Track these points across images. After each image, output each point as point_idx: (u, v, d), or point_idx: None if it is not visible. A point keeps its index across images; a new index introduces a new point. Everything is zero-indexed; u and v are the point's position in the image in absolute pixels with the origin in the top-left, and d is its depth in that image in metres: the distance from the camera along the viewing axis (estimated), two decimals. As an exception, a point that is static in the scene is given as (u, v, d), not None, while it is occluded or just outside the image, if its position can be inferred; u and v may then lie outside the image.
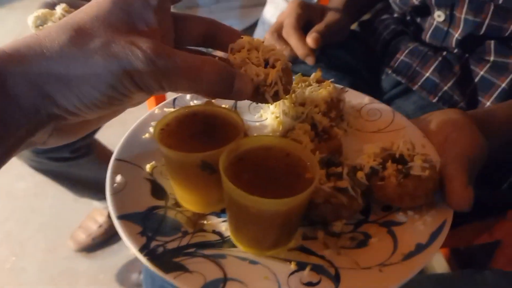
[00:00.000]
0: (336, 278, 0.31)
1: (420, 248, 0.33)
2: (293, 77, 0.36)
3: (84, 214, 1.38)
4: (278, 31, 0.65)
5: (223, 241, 0.34)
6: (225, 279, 0.30)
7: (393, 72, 0.69)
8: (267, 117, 0.47)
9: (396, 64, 0.69)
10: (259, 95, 0.33)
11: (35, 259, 1.34)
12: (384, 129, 0.45)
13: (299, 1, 0.64)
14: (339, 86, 0.47)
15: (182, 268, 0.30)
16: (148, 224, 0.34)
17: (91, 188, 1.23)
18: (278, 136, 0.39)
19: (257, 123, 0.47)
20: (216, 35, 0.35)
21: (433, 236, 0.33)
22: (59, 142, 0.33)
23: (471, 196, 0.34)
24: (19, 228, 1.43)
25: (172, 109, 0.45)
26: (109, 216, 1.34)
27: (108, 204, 0.34)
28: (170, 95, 0.41)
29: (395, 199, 0.35)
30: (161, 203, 0.36)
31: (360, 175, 0.35)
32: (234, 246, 0.34)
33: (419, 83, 0.66)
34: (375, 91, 0.60)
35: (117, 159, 0.38)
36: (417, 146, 0.38)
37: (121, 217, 0.33)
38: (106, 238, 1.34)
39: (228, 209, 0.33)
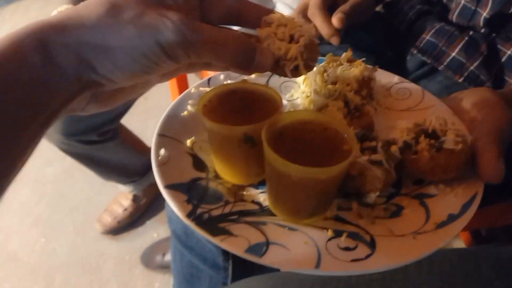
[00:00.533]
0: (372, 244, 0.33)
1: (452, 218, 0.34)
2: (319, 55, 0.37)
3: (110, 198, 1.43)
4: (303, 12, 0.66)
5: (262, 210, 0.36)
6: (267, 243, 0.32)
7: (419, 52, 0.70)
8: (297, 96, 0.49)
9: (422, 44, 0.70)
10: (279, 69, 0.35)
11: (64, 241, 1.40)
12: (413, 107, 0.46)
13: None
14: (369, 66, 0.48)
15: (227, 232, 0.33)
16: (193, 193, 0.36)
17: (117, 171, 1.28)
18: (315, 111, 0.41)
19: (288, 102, 0.49)
20: (242, 12, 0.37)
21: (465, 207, 0.35)
22: (96, 109, 0.35)
23: (503, 168, 0.35)
24: (48, 212, 1.49)
25: (207, 88, 0.47)
26: (133, 200, 1.39)
27: (154, 174, 0.37)
28: (191, 82, 0.44)
29: (428, 172, 0.36)
30: (202, 175, 0.39)
31: (394, 148, 0.37)
32: (273, 215, 0.36)
33: (445, 63, 0.67)
34: (400, 72, 0.61)
35: (160, 134, 0.41)
36: (449, 126, 0.39)
37: (167, 187, 0.36)
38: (131, 221, 1.39)
39: (269, 179, 0.35)
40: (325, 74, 0.46)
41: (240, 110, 0.37)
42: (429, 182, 0.38)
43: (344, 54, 0.48)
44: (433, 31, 0.69)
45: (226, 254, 0.71)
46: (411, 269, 0.45)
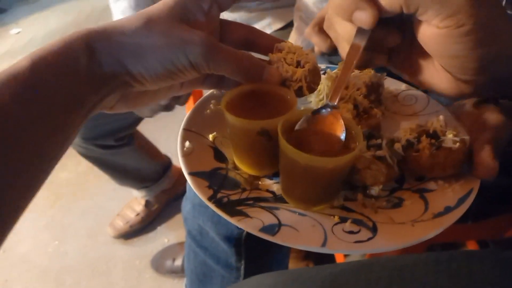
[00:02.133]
0: (373, 229, 0.37)
1: (448, 209, 0.39)
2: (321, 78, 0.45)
3: (122, 203, 1.49)
4: (319, 24, 0.72)
5: (276, 198, 0.41)
6: (279, 225, 0.37)
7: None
8: (311, 100, 0.54)
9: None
10: (286, 87, 0.42)
11: (76, 244, 1.46)
12: (419, 112, 0.51)
13: None
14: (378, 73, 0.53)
15: (244, 214, 0.38)
16: (213, 180, 0.41)
17: (131, 176, 1.34)
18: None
19: (302, 105, 0.54)
20: (255, 40, 0.44)
21: (461, 201, 0.39)
22: (123, 108, 0.41)
23: (496, 167, 0.39)
24: (61, 215, 1.56)
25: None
26: (146, 205, 1.45)
27: (180, 163, 0.42)
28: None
29: (427, 168, 0.41)
30: (222, 165, 0.44)
31: (397, 146, 0.41)
32: (285, 202, 0.41)
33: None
34: (410, 83, 0.66)
35: (185, 129, 0.46)
36: (449, 127, 0.44)
37: (191, 174, 0.41)
38: (143, 226, 1.45)
39: (282, 169, 0.40)
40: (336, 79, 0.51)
41: (258, 108, 0.42)
42: (429, 178, 0.42)
43: (355, 61, 0.53)
44: None
45: (239, 254, 0.76)
46: (418, 268, 0.49)
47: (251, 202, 0.40)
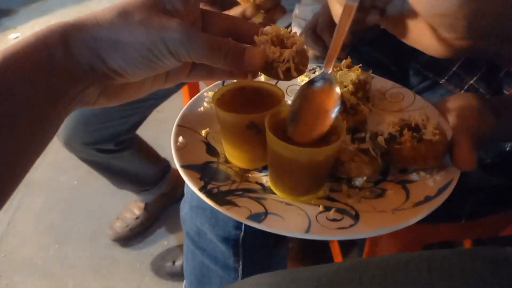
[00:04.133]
0: (356, 217, 0.40)
1: (428, 198, 0.41)
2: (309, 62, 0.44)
3: (122, 207, 1.52)
4: (312, 29, 0.75)
5: (264, 189, 0.44)
6: (266, 213, 0.40)
7: (421, 67, 0.77)
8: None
9: (424, 60, 0.77)
10: (273, 69, 0.41)
11: (77, 247, 1.48)
12: (405, 108, 0.53)
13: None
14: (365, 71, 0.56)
15: (232, 203, 0.41)
16: (205, 172, 0.44)
17: (131, 180, 1.37)
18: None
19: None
20: (239, 28, 0.44)
21: (440, 190, 0.42)
22: (106, 103, 0.41)
23: (474, 159, 0.42)
24: (62, 218, 1.59)
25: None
26: (145, 209, 1.47)
27: (173, 157, 0.45)
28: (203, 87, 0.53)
29: (409, 160, 0.43)
30: (214, 159, 0.47)
31: (380, 139, 0.44)
32: (273, 193, 0.43)
33: (446, 77, 0.74)
34: (403, 85, 0.69)
35: (178, 125, 0.49)
36: (431, 121, 0.46)
37: (184, 166, 0.44)
38: (143, 229, 1.47)
39: (270, 161, 0.43)
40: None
41: (247, 103, 0.45)
42: (412, 170, 0.45)
43: (343, 61, 0.56)
44: None
45: (236, 255, 0.78)
46: (411, 267, 0.51)
47: (240, 192, 0.43)
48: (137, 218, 1.46)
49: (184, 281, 0.93)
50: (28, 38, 0.34)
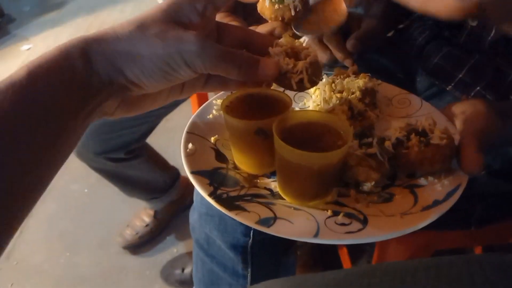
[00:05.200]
0: (364, 221, 0.40)
1: (436, 203, 0.41)
2: (323, 73, 0.46)
3: (132, 214, 1.53)
4: (319, 37, 0.75)
5: (273, 195, 0.44)
6: (275, 218, 0.40)
7: (428, 74, 0.77)
8: (309, 105, 0.57)
9: (431, 66, 0.77)
10: (286, 80, 0.42)
11: (87, 255, 1.49)
12: (412, 114, 0.54)
13: None
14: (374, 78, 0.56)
15: (241, 208, 0.41)
16: (214, 178, 0.45)
17: (140, 188, 1.38)
18: (320, 111, 0.50)
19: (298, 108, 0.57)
20: (253, 40, 0.45)
21: (449, 195, 0.41)
22: (124, 113, 0.42)
23: (481, 163, 0.42)
24: (73, 226, 1.60)
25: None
26: (155, 216, 1.48)
27: (183, 163, 0.46)
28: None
29: (417, 164, 0.43)
30: (223, 165, 0.47)
31: (387, 144, 0.44)
32: (282, 198, 0.44)
33: (453, 84, 0.74)
34: (410, 92, 0.69)
35: (188, 132, 0.50)
36: (438, 125, 0.46)
37: (193, 172, 0.45)
38: (152, 236, 1.48)
39: (278, 167, 0.43)
40: (333, 84, 0.54)
41: (256, 110, 0.46)
42: (420, 175, 0.45)
43: (350, 68, 0.57)
44: (441, 54, 0.77)
45: (245, 262, 0.78)
46: (419, 273, 0.50)
47: (249, 198, 0.43)
48: (146, 225, 1.47)
49: (194, 288, 0.93)
50: (51, 52, 0.35)
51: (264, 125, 0.43)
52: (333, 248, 1.24)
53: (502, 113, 0.50)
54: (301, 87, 0.43)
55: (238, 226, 0.73)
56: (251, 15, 0.66)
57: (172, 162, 1.49)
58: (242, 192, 0.44)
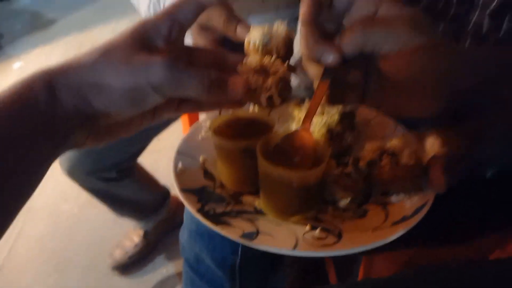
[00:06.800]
0: (339, 236, 0.44)
1: (405, 218, 0.46)
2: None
3: (122, 234, 1.55)
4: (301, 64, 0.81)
5: (256, 211, 0.49)
6: (257, 232, 0.45)
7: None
8: (293, 127, 0.62)
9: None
10: (256, 97, 0.44)
11: (77, 276, 1.51)
12: (387, 135, 0.59)
13: None
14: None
15: (227, 223, 0.45)
16: (202, 195, 0.49)
17: (131, 207, 1.41)
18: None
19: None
20: (225, 60, 0.46)
21: (417, 211, 0.46)
22: (95, 143, 0.42)
23: (445, 183, 0.46)
24: (62, 246, 1.62)
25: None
26: (144, 236, 1.51)
27: (174, 181, 0.50)
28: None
29: (388, 183, 0.48)
30: (210, 184, 0.52)
31: (362, 163, 0.49)
32: (264, 214, 0.48)
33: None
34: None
35: (179, 152, 0.55)
36: (409, 147, 0.51)
37: (183, 190, 0.49)
38: (141, 256, 1.50)
39: (261, 184, 0.48)
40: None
41: (241, 132, 0.51)
42: (392, 193, 0.50)
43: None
44: None
45: (233, 280, 0.82)
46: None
47: (234, 214, 0.47)
48: (136, 245, 1.49)
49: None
50: (14, 85, 0.36)
51: (250, 145, 0.48)
52: (322, 269, 1.28)
53: (469, 138, 0.55)
54: (271, 104, 0.45)
55: (226, 245, 0.77)
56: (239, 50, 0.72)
57: (162, 181, 1.52)
58: (228, 209, 0.48)
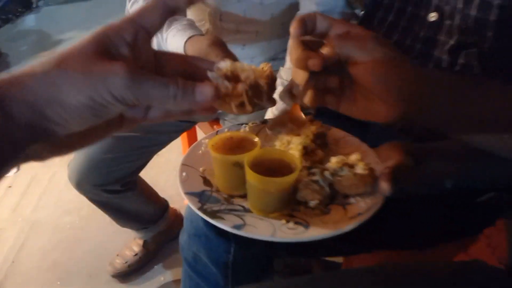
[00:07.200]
0: (307, 226, 0.59)
1: (359, 214, 0.61)
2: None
3: (121, 245, 1.69)
4: (289, 89, 0.97)
5: (244, 210, 0.64)
6: (244, 224, 0.59)
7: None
8: (276, 144, 0.78)
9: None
10: (227, 104, 0.44)
11: (78, 284, 1.63)
12: (352, 152, 0.74)
13: None
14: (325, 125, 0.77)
15: (221, 218, 0.60)
16: (202, 197, 0.64)
17: (133, 218, 1.56)
18: (280, 150, 0.70)
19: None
20: (195, 66, 0.46)
21: (369, 209, 0.61)
22: (55, 155, 0.41)
23: (390, 189, 0.61)
24: (65, 257, 1.75)
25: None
26: (143, 246, 1.64)
27: (179, 187, 0.65)
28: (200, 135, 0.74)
29: (347, 188, 0.63)
30: (209, 188, 0.67)
31: (327, 173, 0.64)
32: (250, 212, 0.63)
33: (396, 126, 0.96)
34: (364, 131, 0.91)
35: (183, 164, 0.70)
36: (371, 161, 0.67)
37: (187, 193, 0.64)
38: (141, 265, 1.64)
39: (248, 189, 0.63)
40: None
41: (234, 147, 0.66)
42: (352, 196, 0.65)
43: (306, 117, 0.78)
44: None
45: (226, 277, 0.96)
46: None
47: (226, 211, 0.62)
48: (135, 254, 1.63)
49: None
50: None
51: (240, 159, 0.63)
52: (309, 271, 1.42)
53: (417, 157, 0.71)
54: (243, 110, 0.45)
55: (220, 245, 0.92)
56: None
57: (162, 194, 1.67)
58: (222, 208, 0.63)
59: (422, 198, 0.97)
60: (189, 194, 0.64)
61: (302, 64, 0.48)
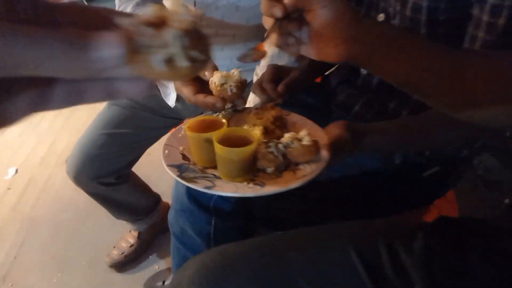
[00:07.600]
0: (262, 185, 0.77)
1: (305, 176, 0.79)
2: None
3: (118, 237, 1.86)
4: (259, 83, 1.16)
5: (215, 177, 0.82)
6: (213, 186, 0.78)
7: (336, 107, 1.18)
8: (245, 126, 0.96)
9: (338, 102, 1.18)
10: (147, 60, 0.28)
11: (78, 274, 1.80)
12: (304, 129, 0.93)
13: (272, 65, 1.16)
14: (286, 110, 0.96)
15: (195, 182, 0.78)
16: (181, 168, 0.82)
17: (127, 210, 1.73)
18: (243, 128, 0.88)
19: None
20: (92, 15, 0.32)
21: (312, 172, 0.79)
22: None
23: (330, 157, 0.80)
24: (64, 249, 1.92)
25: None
26: (138, 237, 1.82)
27: (162, 161, 0.83)
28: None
29: (296, 157, 0.82)
30: (186, 162, 0.85)
31: (280, 146, 0.83)
32: (220, 178, 0.81)
33: (351, 114, 1.15)
34: (327, 117, 1.08)
35: (166, 144, 0.88)
36: (319, 137, 0.85)
37: (168, 165, 0.82)
38: (136, 256, 1.81)
39: (217, 160, 0.81)
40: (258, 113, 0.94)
41: (206, 127, 0.84)
42: (301, 163, 0.83)
43: (268, 104, 0.96)
44: (345, 93, 1.18)
45: (209, 246, 1.14)
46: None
47: (200, 178, 0.80)
48: (131, 246, 1.80)
49: (172, 275, 1.26)
50: None
51: (210, 136, 0.81)
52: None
53: (357, 133, 0.89)
54: (173, 67, 0.30)
55: (203, 218, 1.10)
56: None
57: (154, 190, 1.85)
58: (197, 175, 0.81)
59: (376, 174, 1.16)
60: (170, 165, 0.82)
61: (268, 11, 0.60)
